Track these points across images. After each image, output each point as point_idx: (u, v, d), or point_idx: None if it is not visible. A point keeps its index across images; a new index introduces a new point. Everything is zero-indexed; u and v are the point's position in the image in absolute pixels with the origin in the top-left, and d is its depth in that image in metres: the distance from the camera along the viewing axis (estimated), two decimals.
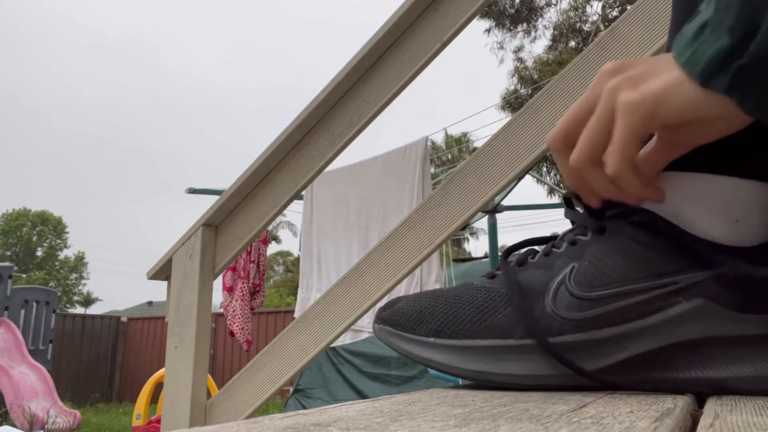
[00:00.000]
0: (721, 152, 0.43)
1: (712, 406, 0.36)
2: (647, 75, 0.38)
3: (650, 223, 0.43)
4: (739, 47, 0.33)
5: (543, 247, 0.48)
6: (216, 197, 1.37)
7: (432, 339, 0.46)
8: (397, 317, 0.49)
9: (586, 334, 0.42)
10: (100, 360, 9.14)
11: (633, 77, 0.39)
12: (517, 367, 0.44)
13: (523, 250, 0.50)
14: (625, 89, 0.38)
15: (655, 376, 0.42)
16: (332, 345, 2.73)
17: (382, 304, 1.37)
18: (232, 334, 4.57)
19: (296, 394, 5.39)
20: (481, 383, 0.46)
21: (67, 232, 38.00)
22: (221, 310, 5.63)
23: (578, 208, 0.48)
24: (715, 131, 0.39)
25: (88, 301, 37.83)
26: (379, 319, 0.51)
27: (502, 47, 13.18)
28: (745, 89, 0.34)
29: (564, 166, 0.43)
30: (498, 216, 5.16)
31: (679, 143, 0.41)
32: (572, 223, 0.48)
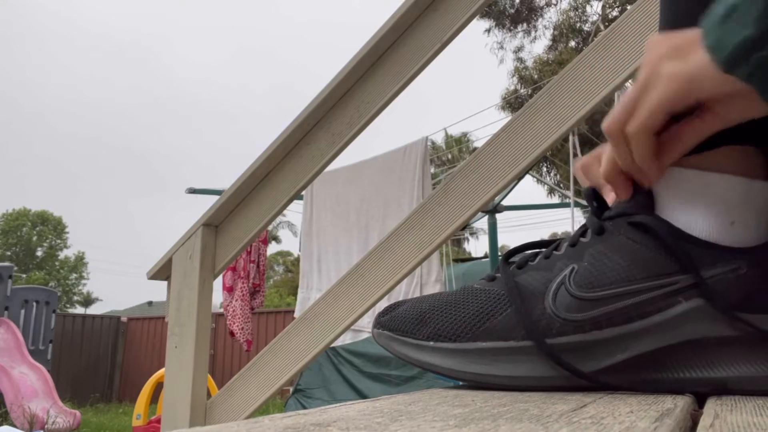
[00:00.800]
0: (718, 150, 0.43)
1: (712, 406, 0.36)
2: (690, 47, 0.38)
3: (649, 223, 0.43)
4: (762, 38, 0.33)
5: (545, 249, 0.48)
6: (216, 197, 1.37)
7: (432, 343, 0.46)
8: (396, 322, 0.49)
9: (586, 335, 0.42)
10: (100, 360, 9.14)
11: (677, 47, 0.39)
12: (519, 369, 0.44)
13: (527, 252, 0.50)
14: (671, 59, 0.39)
15: (655, 376, 0.42)
16: (332, 345, 2.73)
17: (382, 304, 1.36)
18: (232, 334, 4.57)
19: (296, 394, 5.39)
20: (482, 385, 0.46)
21: (67, 232, 37.98)
22: (221, 310, 5.63)
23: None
24: (752, 107, 0.38)
25: (88, 301, 37.81)
26: (378, 323, 0.51)
27: (502, 47, 13.18)
28: (764, 81, 0.34)
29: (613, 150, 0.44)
30: (498, 216, 5.17)
31: (721, 116, 0.41)
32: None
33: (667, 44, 0.39)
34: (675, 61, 0.38)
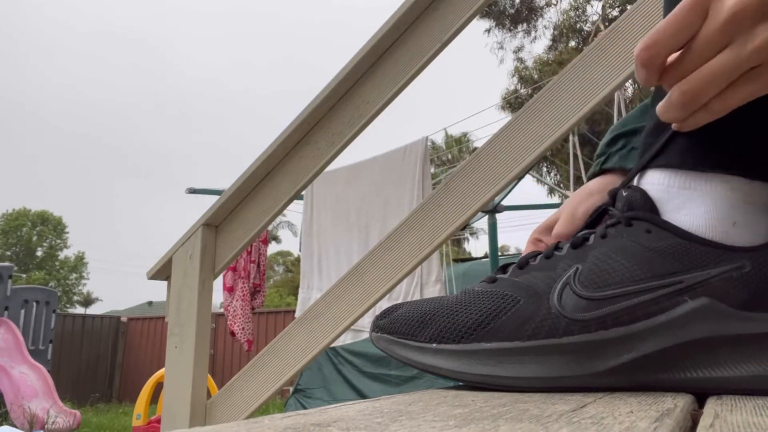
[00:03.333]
0: (719, 151, 0.43)
1: (712, 406, 0.36)
2: None
3: (652, 226, 0.43)
4: None
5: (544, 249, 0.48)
6: (216, 197, 1.36)
7: (434, 345, 0.46)
8: (395, 324, 0.48)
9: (592, 335, 0.42)
10: (100, 360, 9.14)
11: None
12: (526, 370, 0.43)
13: (526, 253, 0.50)
14: None
15: (661, 376, 0.42)
16: (332, 345, 2.72)
17: (382, 304, 1.36)
18: (233, 334, 4.57)
19: (296, 394, 5.40)
20: (486, 386, 0.45)
21: (67, 232, 37.99)
22: (221, 310, 5.64)
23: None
24: None
25: (88, 301, 37.80)
26: (377, 327, 0.50)
27: (502, 47, 13.20)
28: None
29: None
30: (498, 216, 5.17)
31: None
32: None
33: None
34: None
